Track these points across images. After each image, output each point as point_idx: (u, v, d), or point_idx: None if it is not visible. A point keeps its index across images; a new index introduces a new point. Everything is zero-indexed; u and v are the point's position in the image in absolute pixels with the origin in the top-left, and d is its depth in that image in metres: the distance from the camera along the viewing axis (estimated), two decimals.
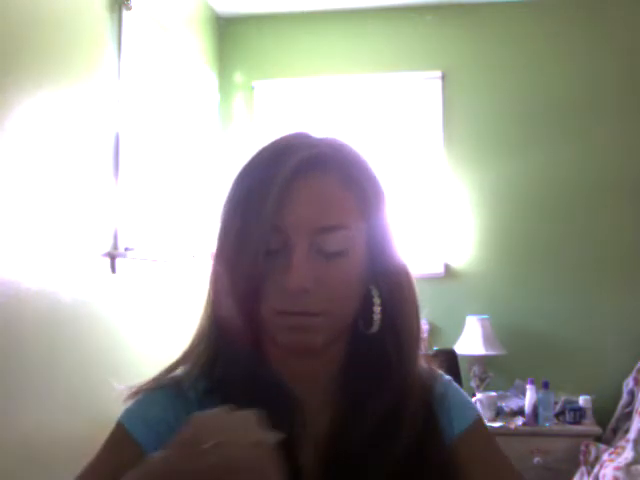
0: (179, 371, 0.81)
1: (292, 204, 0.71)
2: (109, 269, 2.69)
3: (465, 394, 0.87)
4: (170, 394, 0.78)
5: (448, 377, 0.87)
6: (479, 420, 0.84)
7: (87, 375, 2.48)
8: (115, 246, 2.72)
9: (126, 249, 2.76)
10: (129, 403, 0.79)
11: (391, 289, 0.77)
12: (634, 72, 3.71)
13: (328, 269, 0.72)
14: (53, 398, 2.29)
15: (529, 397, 3.27)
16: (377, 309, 0.77)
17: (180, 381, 0.79)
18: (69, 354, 2.39)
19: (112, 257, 2.70)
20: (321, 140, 0.77)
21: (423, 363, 0.82)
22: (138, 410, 0.78)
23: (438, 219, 3.77)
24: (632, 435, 2.89)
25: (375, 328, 0.77)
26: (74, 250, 2.44)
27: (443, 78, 3.84)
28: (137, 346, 2.88)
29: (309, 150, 0.74)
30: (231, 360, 0.76)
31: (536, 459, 3.15)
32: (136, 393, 0.79)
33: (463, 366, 3.48)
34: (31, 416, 2.16)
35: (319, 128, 0.79)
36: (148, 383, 0.80)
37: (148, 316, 3.00)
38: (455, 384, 0.87)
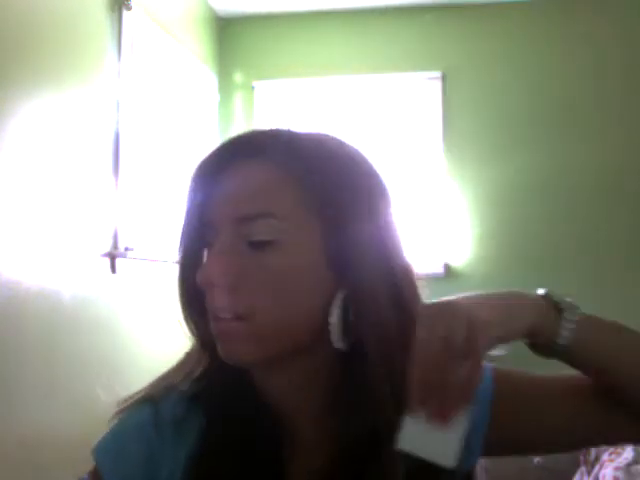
0: (169, 382, 0.73)
1: (219, 194, 0.66)
2: (109, 269, 2.69)
3: None
4: (147, 421, 0.69)
5: None
6: (496, 379, 0.72)
7: (87, 375, 2.48)
8: (115, 246, 2.72)
9: (126, 249, 2.77)
10: (110, 425, 0.71)
11: (363, 300, 0.63)
12: (635, 71, 3.71)
13: (255, 261, 0.63)
14: (53, 398, 2.29)
15: None
16: (333, 320, 0.63)
17: (160, 402, 0.70)
18: (69, 354, 2.39)
19: (112, 257, 2.70)
20: (278, 131, 0.71)
21: None
22: (112, 446, 0.70)
23: (438, 219, 3.77)
24: None
25: (338, 344, 0.64)
26: (74, 250, 2.44)
27: (443, 78, 3.84)
28: (137, 346, 2.89)
29: (244, 139, 0.71)
30: (213, 381, 0.70)
31: (536, 459, 3.14)
32: (120, 412, 0.71)
33: None
34: (31, 416, 2.16)
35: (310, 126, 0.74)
36: (133, 397, 0.72)
37: (148, 316, 3.00)
38: None
